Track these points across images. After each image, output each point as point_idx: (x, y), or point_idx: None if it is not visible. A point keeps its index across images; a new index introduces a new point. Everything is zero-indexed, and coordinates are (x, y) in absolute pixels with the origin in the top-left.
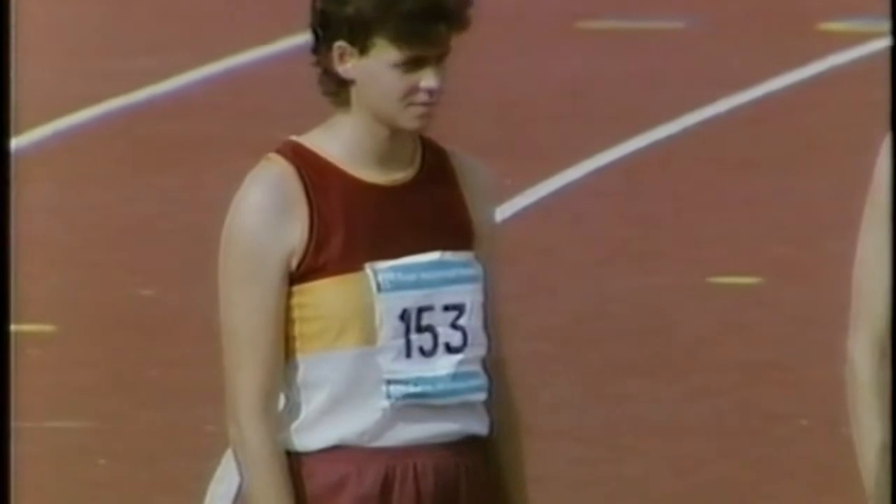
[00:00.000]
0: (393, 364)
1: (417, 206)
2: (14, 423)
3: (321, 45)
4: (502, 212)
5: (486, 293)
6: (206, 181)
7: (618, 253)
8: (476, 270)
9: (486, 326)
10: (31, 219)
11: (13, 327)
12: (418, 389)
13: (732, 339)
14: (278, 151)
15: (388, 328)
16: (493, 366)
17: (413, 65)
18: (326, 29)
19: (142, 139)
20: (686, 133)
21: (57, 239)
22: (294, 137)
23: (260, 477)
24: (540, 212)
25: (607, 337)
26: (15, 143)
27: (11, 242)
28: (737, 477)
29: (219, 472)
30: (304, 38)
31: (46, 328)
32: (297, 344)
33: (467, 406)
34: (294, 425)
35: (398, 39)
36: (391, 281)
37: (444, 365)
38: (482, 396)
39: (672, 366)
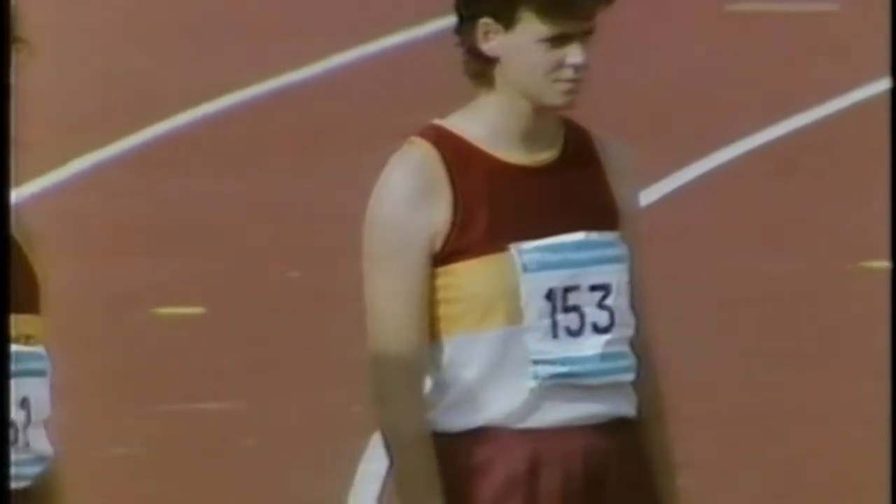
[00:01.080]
0: (539, 344)
1: (561, 187)
2: (164, 406)
3: (465, 23)
4: (647, 195)
5: (632, 273)
6: (355, 164)
7: (764, 237)
8: (622, 250)
9: (632, 307)
10: (179, 202)
11: (164, 310)
12: (566, 369)
13: (878, 324)
14: (421, 135)
15: (533, 308)
16: (639, 347)
17: (559, 40)
18: (471, 6)
19: (290, 124)
20: (835, 116)
21: (206, 223)
22: (436, 120)
23: (406, 458)
24: (684, 196)
25: (753, 322)
26: (166, 128)
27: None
28: (882, 463)
29: (368, 452)
30: (454, 20)
31: (196, 310)
32: (442, 325)
33: (616, 387)
34: (440, 406)
35: (544, 14)
36: (536, 261)
37: (591, 345)
38: (631, 377)
39: (817, 351)
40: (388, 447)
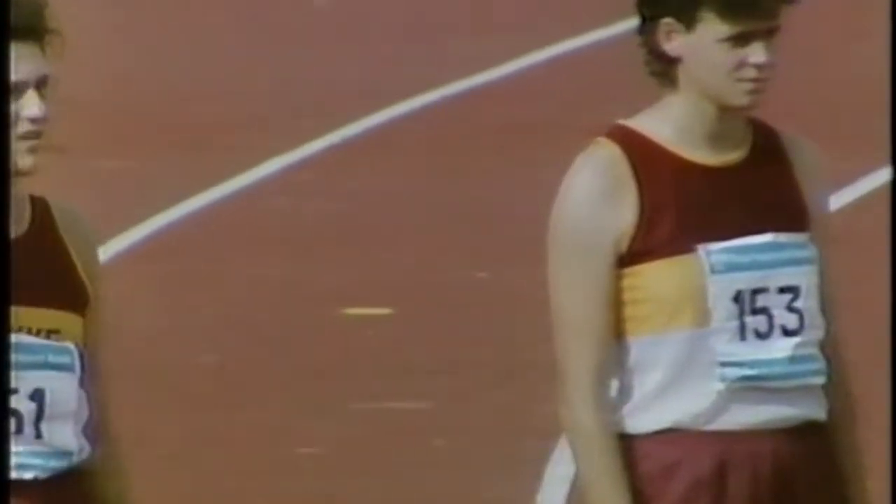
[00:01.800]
0: (727, 346)
1: (749, 187)
2: (353, 406)
3: (647, 23)
4: (839, 197)
5: (821, 275)
6: (542, 164)
7: None
8: (811, 252)
9: (822, 309)
10: (367, 203)
11: (352, 310)
12: (754, 372)
13: None
14: (607, 135)
15: (721, 310)
16: (828, 350)
17: (741, 39)
18: (653, 7)
19: (477, 124)
20: None
21: (394, 224)
22: (622, 121)
23: (592, 460)
24: (877, 198)
25: None
26: (355, 130)
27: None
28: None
29: (557, 454)
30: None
31: (384, 311)
32: (628, 326)
33: (805, 390)
34: (626, 407)
35: (725, 13)
36: (724, 262)
37: (780, 348)
38: (821, 380)
39: None
40: (574, 449)
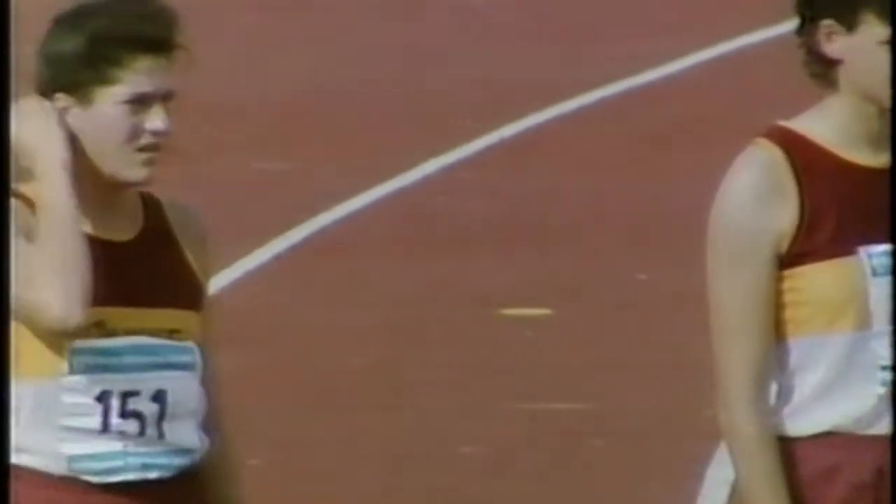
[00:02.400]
0: (888, 350)
1: None
2: (511, 406)
3: (807, 25)
4: None
5: None
6: (704, 164)
7: None
8: None
9: None
10: (526, 202)
11: (511, 311)
12: None
13: None
14: (767, 136)
15: (882, 313)
16: None
17: None
18: (813, 8)
19: (639, 123)
20: None
21: (553, 223)
22: (781, 122)
23: (751, 462)
24: None
25: None
26: (514, 129)
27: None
28: None
29: (718, 456)
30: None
31: (543, 311)
32: (788, 328)
33: None
34: (786, 410)
35: (884, 16)
36: (885, 265)
37: None
38: None
39: None
40: (732, 451)
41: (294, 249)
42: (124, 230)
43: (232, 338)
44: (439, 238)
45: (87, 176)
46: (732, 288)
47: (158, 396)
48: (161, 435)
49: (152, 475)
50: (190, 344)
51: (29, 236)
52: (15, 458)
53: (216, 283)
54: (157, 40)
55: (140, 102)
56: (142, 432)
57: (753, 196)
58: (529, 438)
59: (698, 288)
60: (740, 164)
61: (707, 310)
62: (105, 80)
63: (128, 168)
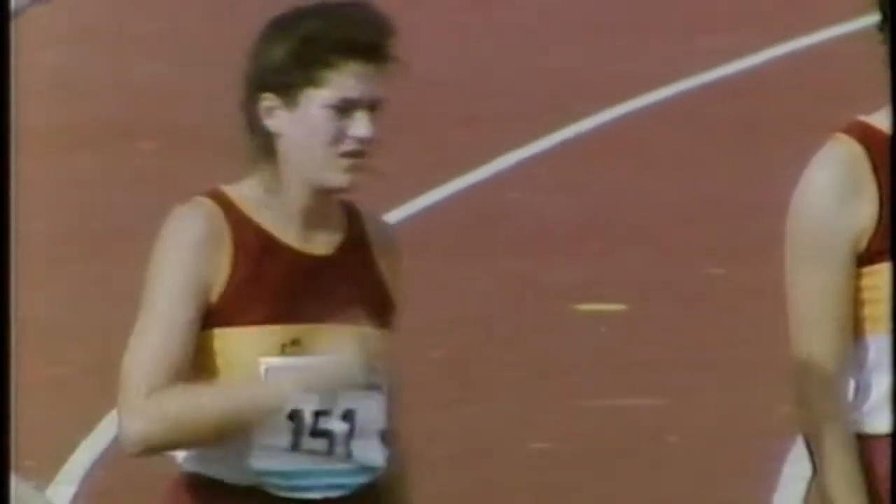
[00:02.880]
0: None
1: None
2: (584, 402)
3: (889, 21)
4: None
5: None
6: (778, 159)
7: None
8: None
9: None
10: (601, 198)
11: (585, 306)
12: None
13: None
14: (845, 131)
15: None
16: None
17: None
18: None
19: (712, 119)
20: None
21: (628, 219)
22: (862, 117)
23: (829, 459)
24: None
25: None
26: (589, 124)
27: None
28: None
29: (793, 454)
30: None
31: (617, 307)
32: (867, 325)
33: None
34: (864, 407)
35: None
36: None
37: None
38: None
39: None
40: (810, 449)
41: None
42: (325, 243)
43: None
44: (513, 234)
45: (293, 185)
46: (811, 285)
47: (348, 416)
48: (349, 454)
49: (335, 494)
50: (379, 364)
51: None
52: (196, 467)
53: None
54: (369, 46)
55: (346, 108)
56: (330, 451)
57: (833, 193)
58: (603, 435)
59: (773, 283)
60: (819, 160)
61: (782, 305)
62: (313, 83)
63: (330, 172)
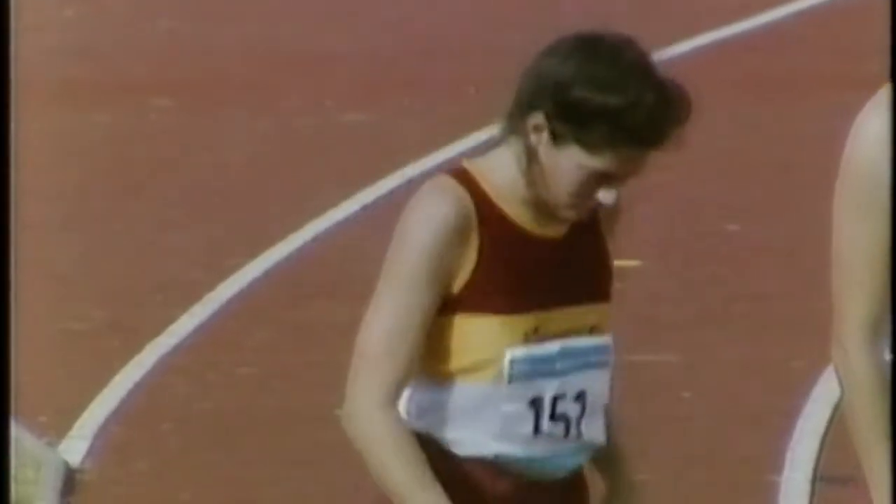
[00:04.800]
0: None
1: None
2: None
3: None
4: None
5: None
6: (793, 116)
7: None
8: None
9: None
10: None
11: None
12: None
13: None
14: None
15: None
16: None
17: None
18: None
19: (730, 74)
20: None
21: (644, 173)
22: None
23: (861, 403)
24: None
25: None
26: None
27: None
28: None
29: (807, 409)
30: None
31: (633, 263)
32: None
33: None
34: None
35: None
36: None
37: None
38: None
39: None
40: (844, 389)
41: (381, 200)
42: (558, 224)
43: (323, 290)
44: None
45: (535, 184)
46: (856, 233)
47: (580, 397)
48: (580, 434)
49: (565, 473)
50: (606, 339)
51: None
52: (430, 433)
53: (306, 233)
54: (658, 138)
55: (603, 177)
56: (566, 433)
57: (882, 141)
58: (617, 391)
59: (788, 239)
60: (871, 108)
61: (796, 261)
62: (585, 146)
63: (564, 209)
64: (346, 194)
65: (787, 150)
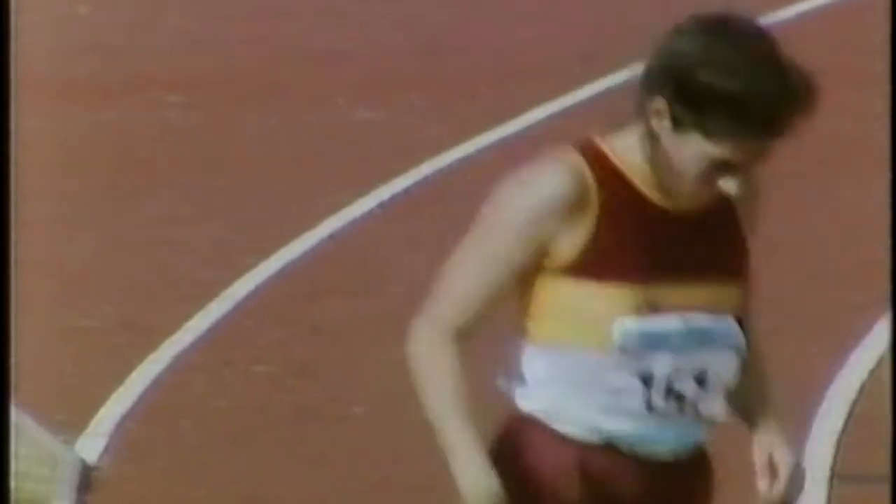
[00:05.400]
0: None
1: None
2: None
3: None
4: None
5: None
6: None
7: None
8: None
9: None
10: None
11: None
12: None
13: None
14: None
15: None
16: None
17: None
18: None
19: None
20: None
21: None
22: None
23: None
24: None
25: None
26: (616, 78)
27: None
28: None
29: (823, 407)
30: None
31: None
32: None
33: None
34: None
35: None
36: None
37: None
38: None
39: None
40: None
41: (397, 198)
42: (691, 197)
43: (338, 288)
44: None
45: (663, 165)
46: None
47: (699, 376)
48: (697, 413)
49: (678, 454)
50: (730, 319)
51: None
52: (540, 416)
53: (321, 231)
54: (781, 126)
55: (724, 165)
56: (681, 411)
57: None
58: None
59: (795, 238)
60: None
61: (805, 260)
62: (707, 135)
63: (680, 191)
64: (361, 192)
65: (788, 151)
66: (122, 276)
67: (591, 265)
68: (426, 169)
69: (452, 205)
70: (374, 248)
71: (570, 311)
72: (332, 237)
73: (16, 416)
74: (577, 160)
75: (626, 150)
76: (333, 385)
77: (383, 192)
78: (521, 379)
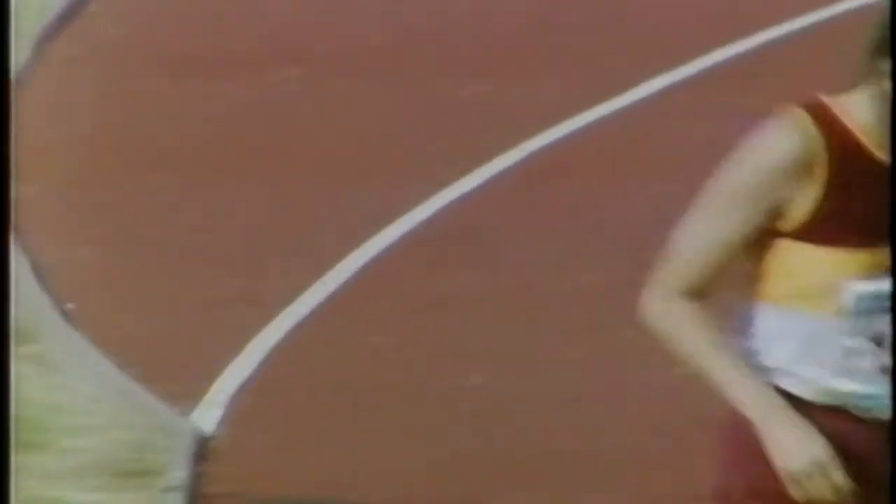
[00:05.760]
0: None
1: None
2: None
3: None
4: None
5: None
6: None
7: None
8: None
9: None
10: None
11: None
12: None
13: None
14: None
15: None
16: None
17: None
18: None
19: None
20: None
21: None
22: None
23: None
24: None
25: None
26: (731, 49)
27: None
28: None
29: None
30: None
31: None
32: None
33: None
34: None
35: None
36: None
37: None
38: None
39: None
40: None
41: (505, 174)
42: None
43: (453, 259)
44: (655, 161)
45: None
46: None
47: (875, 338)
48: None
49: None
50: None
51: None
52: (776, 381)
53: (436, 203)
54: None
55: None
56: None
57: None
58: (659, 396)
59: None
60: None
61: None
62: None
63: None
64: (477, 163)
65: None
66: (241, 249)
67: (823, 228)
68: (539, 141)
69: (561, 181)
70: (488, 220)
71: (802, 274)
72: (448, 208)
73: (130, 385)
74: (805, 120)
75: (856, 109)
76: (450, 357)
77: (497, 164)
78: (753, 336)
